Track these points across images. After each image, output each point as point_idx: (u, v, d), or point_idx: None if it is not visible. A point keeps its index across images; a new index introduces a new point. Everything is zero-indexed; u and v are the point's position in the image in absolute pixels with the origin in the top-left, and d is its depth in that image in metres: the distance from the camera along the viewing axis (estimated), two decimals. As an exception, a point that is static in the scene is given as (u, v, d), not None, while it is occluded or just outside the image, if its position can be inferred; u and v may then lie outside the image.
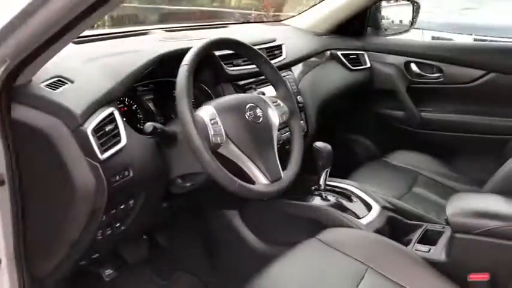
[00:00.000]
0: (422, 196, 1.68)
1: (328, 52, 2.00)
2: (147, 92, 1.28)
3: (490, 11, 3.50)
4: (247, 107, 1.14)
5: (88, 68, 1.11)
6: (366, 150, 2.22)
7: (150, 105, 1.27)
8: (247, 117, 1.12)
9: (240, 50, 1.26)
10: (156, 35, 1.54)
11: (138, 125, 1.23)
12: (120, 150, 1.00)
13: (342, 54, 2.01)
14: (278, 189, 1.11)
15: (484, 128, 1.93)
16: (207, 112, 1.07)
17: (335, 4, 2.09)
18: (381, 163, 1.92)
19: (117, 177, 0.99)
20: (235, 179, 1.02)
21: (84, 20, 0.82)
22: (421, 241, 1.33)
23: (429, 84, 2.03)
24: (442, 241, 1.29)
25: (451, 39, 3.49)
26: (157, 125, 1.04)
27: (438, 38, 3.50)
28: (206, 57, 1.16)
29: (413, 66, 2.06)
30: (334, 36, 2.12)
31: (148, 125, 1.04)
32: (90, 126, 0.95)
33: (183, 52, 1.13)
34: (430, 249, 1.27)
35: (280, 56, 1.65)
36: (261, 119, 1.15)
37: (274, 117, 1.20)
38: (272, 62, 1.57)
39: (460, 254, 1.18)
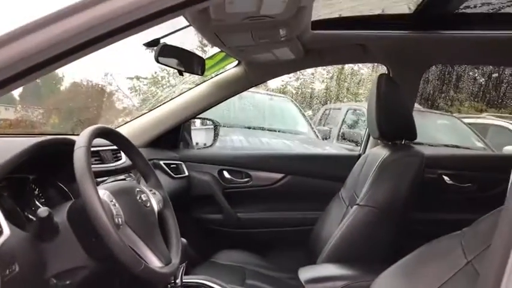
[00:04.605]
0: (257, 286, 1.83)
1: (151, 162, 2.08)
2: (5, 190, 1.13)
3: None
4: (136, 190, 1.14)
5: None
6: (190, 256, 2.27)
7: (10, 202, 1.12)
8: (139, 200, 1.12)
9: (116, 140, 1.26)
10: None
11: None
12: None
13: (163, 163, 2.13)
14: (172, 272, 1.10)
15: (291, 221, 2.27)
16: (103, 194, 1.03)
17: (149, 121, 2.23)
18: (210, 264, 2.01)
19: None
20: (142, 260, 0.98)
21: None
22: None
23: (241, 188, 2.30)
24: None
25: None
26: (51, 211, 0.94)
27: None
28: (66, 154, 1.13)
29: (226, 173, 2.31)
30: (152, 148, 2.24)
31: (44, 210, 0.93)
32: None
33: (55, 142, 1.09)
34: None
35: (121, 159, 1.67)
36: (148, 203, 1.16)
37: (154, 204, 1.22)
38: (117, 163, 1.60)
39: None
